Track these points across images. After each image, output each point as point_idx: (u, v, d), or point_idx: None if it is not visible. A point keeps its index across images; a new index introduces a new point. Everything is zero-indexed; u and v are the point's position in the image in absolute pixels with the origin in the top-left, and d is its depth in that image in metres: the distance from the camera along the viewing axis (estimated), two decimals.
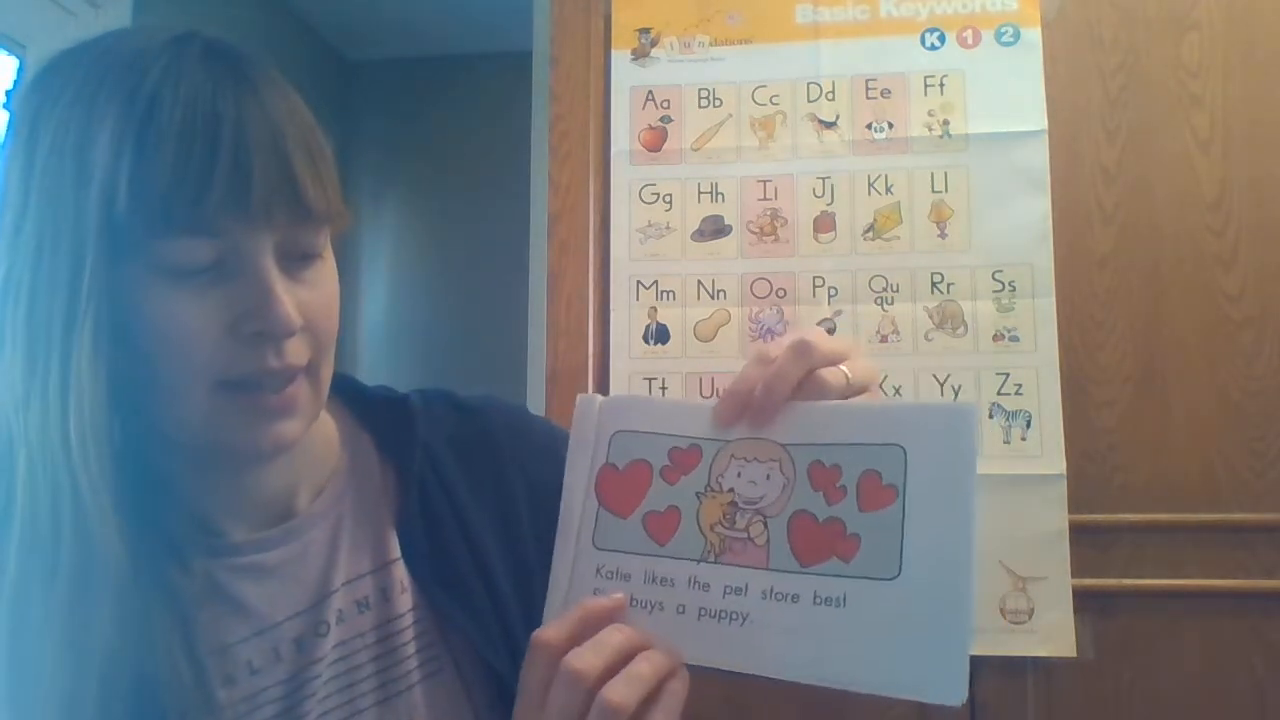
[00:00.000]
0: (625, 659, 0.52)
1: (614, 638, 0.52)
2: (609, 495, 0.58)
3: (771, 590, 0.54)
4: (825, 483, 0.55)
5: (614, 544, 0.57)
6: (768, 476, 0.56)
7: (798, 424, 0.56)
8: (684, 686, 0.53)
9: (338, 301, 0.60)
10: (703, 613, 0.54)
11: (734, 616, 0.54)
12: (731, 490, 0.56)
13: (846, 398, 0.56)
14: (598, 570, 0.57)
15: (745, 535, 0.55)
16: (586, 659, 0.51)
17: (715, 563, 0.55)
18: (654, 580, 0.56)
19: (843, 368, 0.57)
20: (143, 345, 0.53)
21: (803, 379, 0.56)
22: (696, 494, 0.57)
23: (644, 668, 0.51)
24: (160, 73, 0.52)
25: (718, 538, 0.56)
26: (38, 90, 0.55)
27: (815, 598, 0.53)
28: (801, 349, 0.56)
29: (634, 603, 0.55)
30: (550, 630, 0.53)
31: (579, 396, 0.61)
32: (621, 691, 0.50)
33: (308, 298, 0.56)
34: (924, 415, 0.56)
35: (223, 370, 0.54)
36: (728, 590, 0.54)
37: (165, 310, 0.53)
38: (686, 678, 0.53)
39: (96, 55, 0.55)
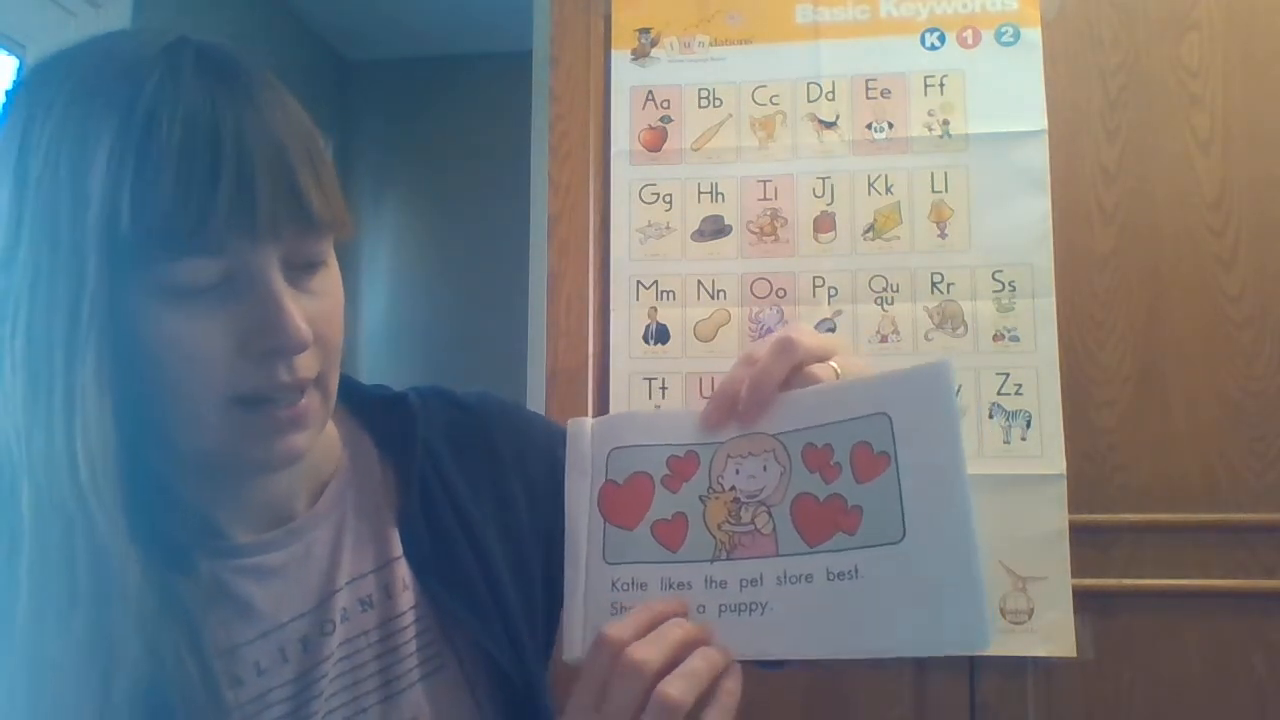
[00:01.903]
0: (684, 654, 0.52)
1: (674, 632, 0.53)
2: (613, 510, 0.59)
3: (785, 574, 0.55)
4: (820, 463, 0.56)
5: (626, 556, 0.57)
6: (764, 468, 0.57)
7: (784, 413, 0.57)
8: (738, 685, 0.53)
9: (343, 309, 0.59)
10: (723, 609, 0.55)
11: (753, 607, 0.55)
12: (733, 488, 0.57)
13: None
14: (613, 584, 0.57)
15: (752, 527, 0.56)
16: (647, 650, 0.51)
17: (728, 559, 0.56)
18: (671, 586, 0.56)
19: (832, 363, 0.57)
20: (152, 366, 0.52)
21: (791, 376, 0.56)
22: (700, 497, 0.57)
23: (699, 664, 0.52)
24: (155, 87, 0.51)
25: (726, 535, 0.56)
26: (25, 103, 0.53)
27: (828, 574, 0.54)
28: (785, 345, 0.56)
29: None
30: (619, 626, 0.53)
31: (570, 421, 0.61)
32: (679, 687, 0.50)
33: (315, 308, 0.56)
34: (902, 381, 0.57)
35: (235, 387, 0.53)
36: (744, 583, 0.55)
37: (174, 331, 0.52)
38: (739, 675, 0.53)
39: (87, 64, 0.53)
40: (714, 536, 0.57)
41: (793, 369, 0.57)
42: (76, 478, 0.50)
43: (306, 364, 0.55)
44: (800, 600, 0.54)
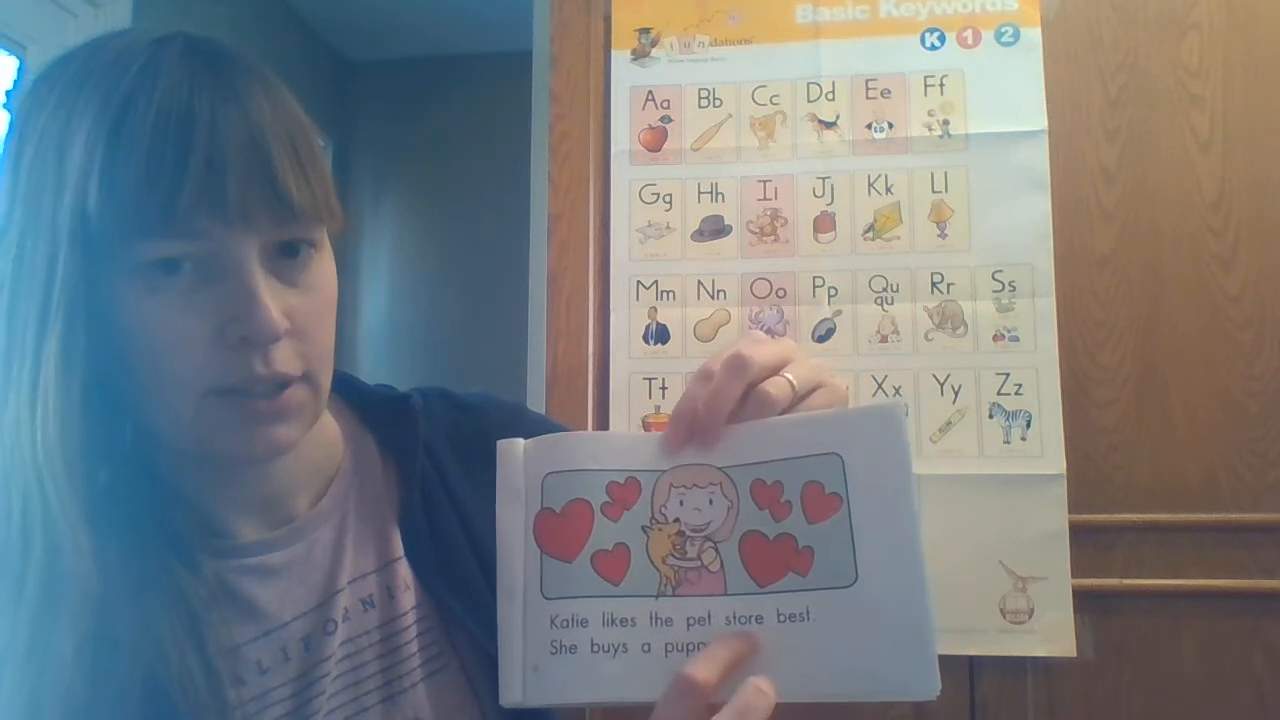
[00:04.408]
0: None
1: (759, 703, 0.49)
2: (550, 540, 0.55)
3: (734, 615, 0.53)
4: (769, 500, 0.54)
5: (565, 590, 0.54)
6: (710, 501, 0.55)
7: (733, 446, 0.55)
8: None
9: (333, 305, 0.58)
10: (670, 648, 0.53)
11: (701, 648, 0.52)
12: (677, 520, 0.55)
13: (795, 404, 0.55)
14: (552, 621, 0.54)
15: (698, 563, 0.54)
16: None
17: (673, 596, 0.54)
18: (614, 622, 0.53)
19: (786, 375, 0.55)
20: (129, 351, 0.52)
21: (745, 395, 0.55)
22: (642, 528, 0.55)
23: None
24: (137, 74, 0.52)
25: (671, 570, 0.54)
26: (29, 97, 0.55)
27: (779, 616, 0.53)
28: (736, 365, 0.54)
29: (595, 648, 0.53)
30: (703, 668, 0.50)
31: (499, 443, 0.57)
32: None
33: (298, 303, 0.55)
34: (854, 420, 0.55)
35: (212, 378, 0.53)
36: (691, 622, 0.53)
37: (150, 316, 0.52)
38: None
39: (82, 59, 0.54)
40: (658, 570, 0.54)
41: (747, 385, 0.55)
42: (35, 458, 0.50)
43: (285, 358, 0.54)
44: None
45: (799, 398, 0.56)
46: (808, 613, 0.52)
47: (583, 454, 0.56)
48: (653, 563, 0.54)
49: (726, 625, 0.53)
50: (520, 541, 0.55)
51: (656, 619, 0.54)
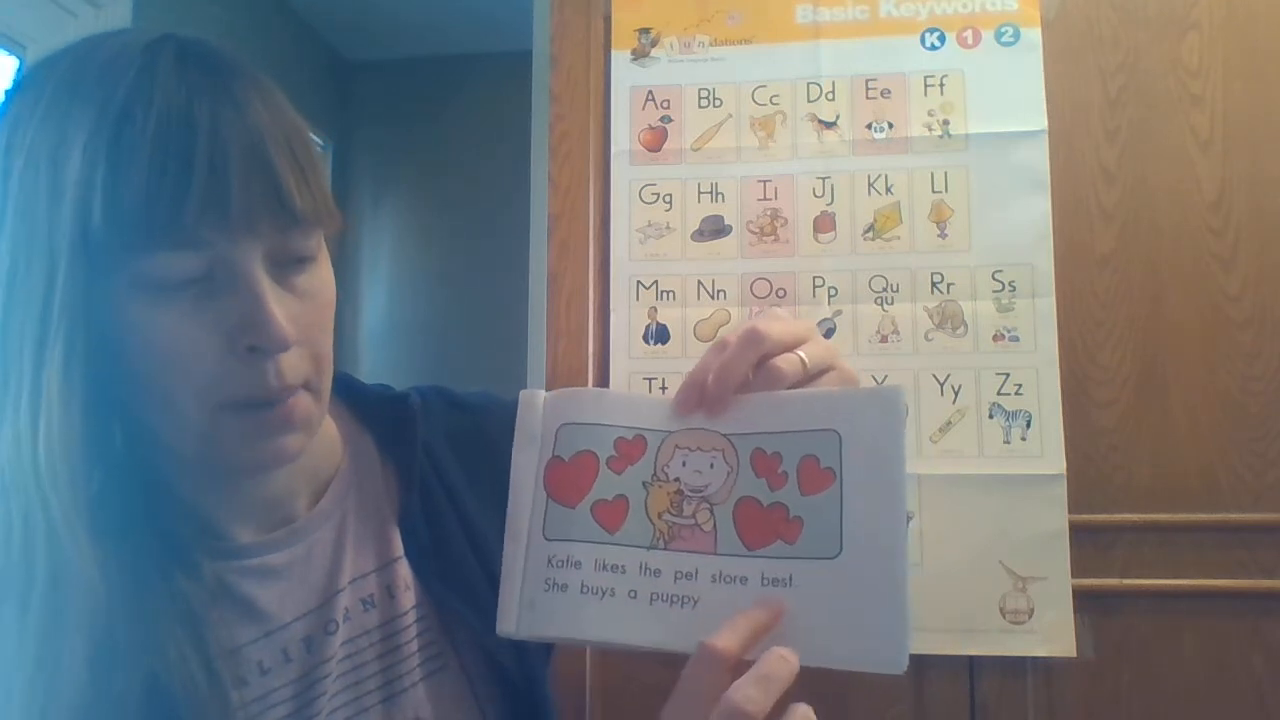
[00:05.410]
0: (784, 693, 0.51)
1: (781, 670, 0.51)
2: (557, 486, 0.59)
3: (720, 574, 0.55)
4: (767, 469, 0.57)
5: (564, 534, 0.58)
6: (711, 465, 0.57)
7: (739, 415, 0.58)
8: None
9: (333, 309, 0.58)
10: (655, 597, 0.56)
11: (685, 600, 0.55)
12: (678, 479, 0.58)
13: (805, 382, 0.57)
14: (549, 560, 0.57)
15: (693, 522, 0.57)
16: (756, 700, 0.49)
17: (665, 549, 0.56)
18: (605, 567, 0.56)
19: (799, 352, 0.57)
20: (136, 364, 0.52)
21: (757, 367, 0.57)
22: (644, 483, 0.58)
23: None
24: (132, 81, 0.51)
25: (666, 525, 0.57)
26: (15, 100, 0.54)
27: (763, 579, 0.55)
28: (751, 338, 0.56)
29: (585, 589, 0.56)
30: (726, 639, 0.51)
31: (522, 393, 0.61)
32: None
33: (301, 309, 0.55)
34: (856, 400, 0.57)
35: (221, 390, 0.53)
36: (678, 575, 0.56)
37: (157, 328, 0.51)
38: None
39: (71, 62, 0.54)
40: (653, 524, 0.57)
41: (760, 359, 0.57)
42: (38, 472, 0.50)
43: (293, 366, 0.54)
44: (732, 600, 0.55)
45: (810, 377, 0.57)
46: (790, 579, 0.54)
47: (596, 409, 0.60)
48: (649, 517, 0.57)
49: (712, 583, 0.55)
50: (530, 485, 0.59)
51: (646, 569, 0.56)
